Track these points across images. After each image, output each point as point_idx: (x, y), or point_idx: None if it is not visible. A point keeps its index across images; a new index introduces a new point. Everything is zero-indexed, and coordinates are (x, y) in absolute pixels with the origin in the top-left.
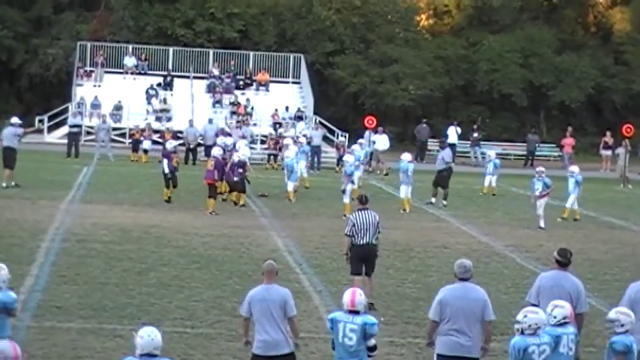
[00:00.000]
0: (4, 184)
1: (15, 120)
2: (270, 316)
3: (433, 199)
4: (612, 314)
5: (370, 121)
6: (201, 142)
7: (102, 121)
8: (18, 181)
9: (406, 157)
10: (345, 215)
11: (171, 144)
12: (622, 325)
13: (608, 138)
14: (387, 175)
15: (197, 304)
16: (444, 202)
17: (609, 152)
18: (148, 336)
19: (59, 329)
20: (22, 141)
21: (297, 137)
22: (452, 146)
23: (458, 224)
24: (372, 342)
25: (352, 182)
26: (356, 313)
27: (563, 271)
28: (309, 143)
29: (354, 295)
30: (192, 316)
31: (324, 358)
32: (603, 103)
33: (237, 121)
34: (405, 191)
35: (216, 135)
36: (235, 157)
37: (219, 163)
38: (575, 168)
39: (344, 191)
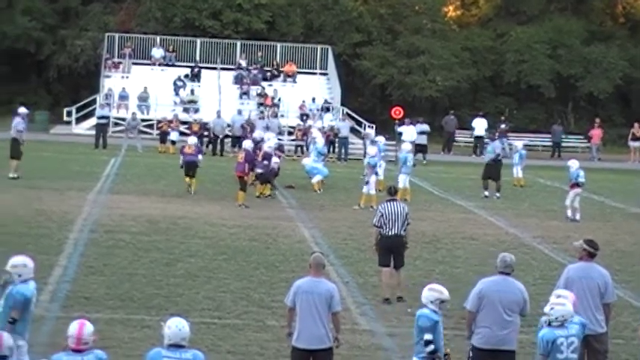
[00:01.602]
0: (10, 175)
1: (22, 110)
2: (315, 309)
3: (487, 192)
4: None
5: (397, 112)
6: (229, 133)
7: (132, 118)
8: (45, 172)
9: (406, 147)
10: (358, 205)
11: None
12: None
13: (637, 129)
14: (414, 166)
15: (224, 295)
16: (497, 195)
17: (637, 144)
18: (176, 326)
19: (87, 320)
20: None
21: (324, 128)
22: (479, 138)
23: (486, 215)
24: None
25: (376, 174)
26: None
27: (590, 263)
28: (336, 135)
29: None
30: (220, 306)
31: (352, 349)
32: (632, 94)
33: (261, 112)
34: (403, 181)
35: (242, 126)
36: (265, 148)
37: (249, 155)
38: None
39: (367, 182)
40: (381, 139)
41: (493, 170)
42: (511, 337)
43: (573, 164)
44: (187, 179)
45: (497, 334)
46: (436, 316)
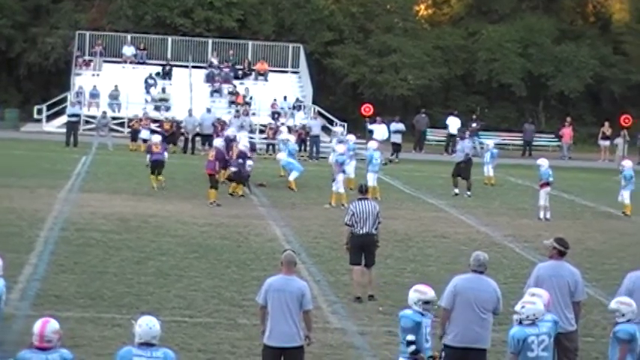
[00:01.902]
0: None
1: None
2: (286, 307)
3: (456, 190)
4: (613, 304)
5: (367, 109)
6: (199, 131)
7: (102, 116)
8: (16, 170)
9: (372, 145)
10: (330, 204)
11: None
12: (623, 315)
13: (607, 128)
14: (385, 164)
15: (196, 294)
16: (469, 193)
17: (607, 142)
18: (147, 325)
19: (57, 318)
20: None
21: (295, 127)
22: (452, 136)
23: (457, 214)
24: None
25: (344, 172)
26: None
27: (560, 261)
28: (307, 134)
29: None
30: (191, 305)
31: (323, 347)
32: (602, 94)
33: (237, 111)
34: (371, 179)
35: (213, 125)
36: (240, 147)
37: (220, 153)
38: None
39: (334, 180)
40: (351, 137)
41: (463, 169)
42: (484, 335)
43: (543, 163)
44: (153, 177)
45: (471, 333)
46: (419, 317)
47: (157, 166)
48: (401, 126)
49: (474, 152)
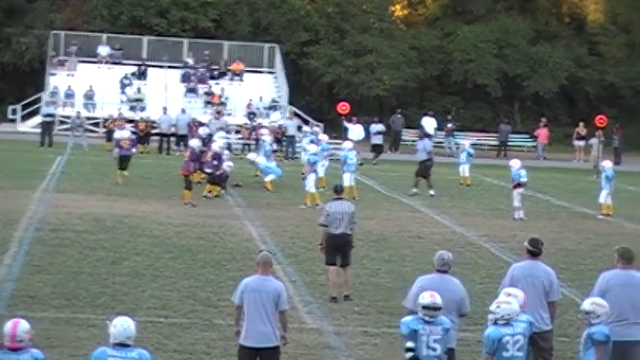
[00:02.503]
0: None
1: None
2: (262, 307)
3: (415, 189)
4: (587, 306)
5: (343, 107)
6: (174, 131)
7: (77, 116)
8: None
9: (347, 145)
10: (305, 204)
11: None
12: (598, 317)
13: (582, 129)
14: (361, 165)
15: (171, 294)
16: (431, 192)
17: (582, 143)
18: (122, 325)
19: (32, 319)
20: None
21: (273, 126)
22: (429, 137)
23: (432, 214)
24: None
25: (315, 172)
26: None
27: (535, 261)
28: (283, 134)
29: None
30: (166, 305)
31: (299, 348)
32: (577, 94)
33: (217, 112)
34: (347, 180)
35: (189, 125)
36: (215, 147)
37: (194, 153)
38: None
39: (304, 179)
40: (323, 137)
41: (426, 168)
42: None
43: (515, 164)
44: (119, 172)
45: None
46: (416, 324)
47: (124, 161)
48: (381, 127)
49: (450, 153)
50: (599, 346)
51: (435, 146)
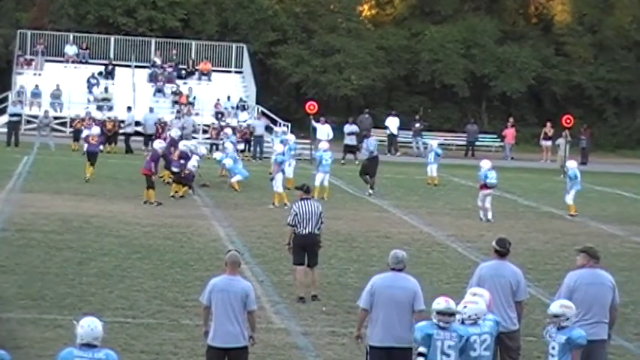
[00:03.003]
0: None
1: None
2: (230, 307)
3: (370, 191)
4: (557, 309)
5: (311, 107)
6: (142, 131)
7: (44, 116)
8: None
9: (323, 146)
10: (273, 204)
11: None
12: (567, 319)
13: (549, 129)
14: (343, 164)
15: (138, 294)
16: (371, 191)
17: (549, 143)
18: (88, 326)
19: None
20: None
21: (241, 126)
22: (393, 136)
23: (400, 214)
24: None
25: (282, 172)
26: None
27: (502, 261)
28: (251, 133)
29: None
30: (134, 306)
31: (266, 348)
32: (544, 94)
33: (178, 111)
34: (320, 180)
35: (155, 124)
36: (180, 146)
37: (155, 154)
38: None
39: (272, 179)
40: (291, 137)
41: (369, 167)
42: (405, 334)
43: (484, 164)
44: (89, 168)
45: (392, 332)
46: (430, 329)
47: (91, 157)
48: (354, 128)
49: (418, 153)
50: (579, 349)
51: (401, 146)
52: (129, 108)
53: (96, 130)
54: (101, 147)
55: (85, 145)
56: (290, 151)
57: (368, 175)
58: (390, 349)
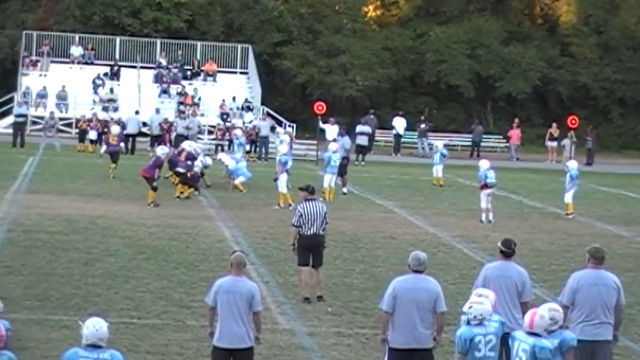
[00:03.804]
0: None
1: None
2: (236, 308)
3: (344, 189)
4: (546, 312)
5: (320, 107)
6: (148, 132)
7: (50, 117)
8: None
9: (332, 146)
10: (278, 205)
11: (162, 150)
12: (556, 323)
13: (554, 129)
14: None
15: (144, 295)
16: (345, 190)
17: (555, 143)
18: (94, 327)
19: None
20: None
21: (246, 127)
22: (399, 137)
23: (405, 215)
24: None
25: (287, 172)
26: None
27: (507, 261)
28: (257, 134)
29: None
30: (139, 306)
31: (272, 349)
32: (549, 95)
33: (182, 112)
34: (328, 181)
35: (160, 126)
36: (186, 147)
37: (158, 160)
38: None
39: (276, 179)
40: (285, 137)
41: (341, 167)
42: (427, 335)
43: (483, 164)
44: (112, 166)
45: (414, 334)
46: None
47: (113, 156)
48: (367, 128)
49: (423, 153)
50: (570, 350)
51: (406, 146)
52: (137, 112)
53: (116, 129)
54: (122, 145)
55: (104, 147)
56: (291, 150)
57: (339, 174)
58: (411, 351)
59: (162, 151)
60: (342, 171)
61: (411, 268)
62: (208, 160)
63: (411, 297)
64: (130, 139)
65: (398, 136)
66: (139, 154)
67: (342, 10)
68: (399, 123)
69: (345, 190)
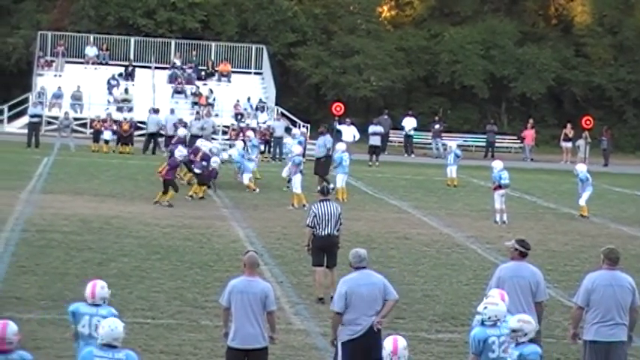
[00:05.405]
0: None
1: None
2: (250, 308)
3: (331, 185)
4: (514, 323)
5: (338, 108)
6: (163, 132)
7: (64, 117)
8: None
9: (341, 147)
10: (292, 205)
11: (180, 152)
12: (525, 334)
13: (569, 130)
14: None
15: (158, 295)
16: (331, 186)
17: (569, 144)
18: (109, 326)
19: (18, 320)
20: None
21: (260, 127)
22: (408, 137)
23: (419, 215)
24: None
25: (301, 172)
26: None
27: (522, 262)
28: (271, 135)
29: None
30: (153, 306)
31: (286, 349)
32: (564, 95)
33: (197, 112)
34: (340, 181)
35: (175, 126)
36: (203, 148)
37: (173, 162)
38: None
39: (289, 180)
40: (251, 134)
41: (321, 166)
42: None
43: (496, 165)
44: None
45: (365, 328)
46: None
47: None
48: (379, 128)
49: (437, 154)
50: None
51: (419, 147)
52: (156, 111)
53: (182, 151)
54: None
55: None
56: (254, 148)
57: (317, 174)
58: (366, 349)
59: (180, 153)
60: (322, 171)
61: (352, 266)
62: (225, 155)
63: (361, 292)
64: (152, 138)
65: (408, 136)
66: (157, 154)
67: (357, 10)
68: (409, 123)
69: (331, 186)
